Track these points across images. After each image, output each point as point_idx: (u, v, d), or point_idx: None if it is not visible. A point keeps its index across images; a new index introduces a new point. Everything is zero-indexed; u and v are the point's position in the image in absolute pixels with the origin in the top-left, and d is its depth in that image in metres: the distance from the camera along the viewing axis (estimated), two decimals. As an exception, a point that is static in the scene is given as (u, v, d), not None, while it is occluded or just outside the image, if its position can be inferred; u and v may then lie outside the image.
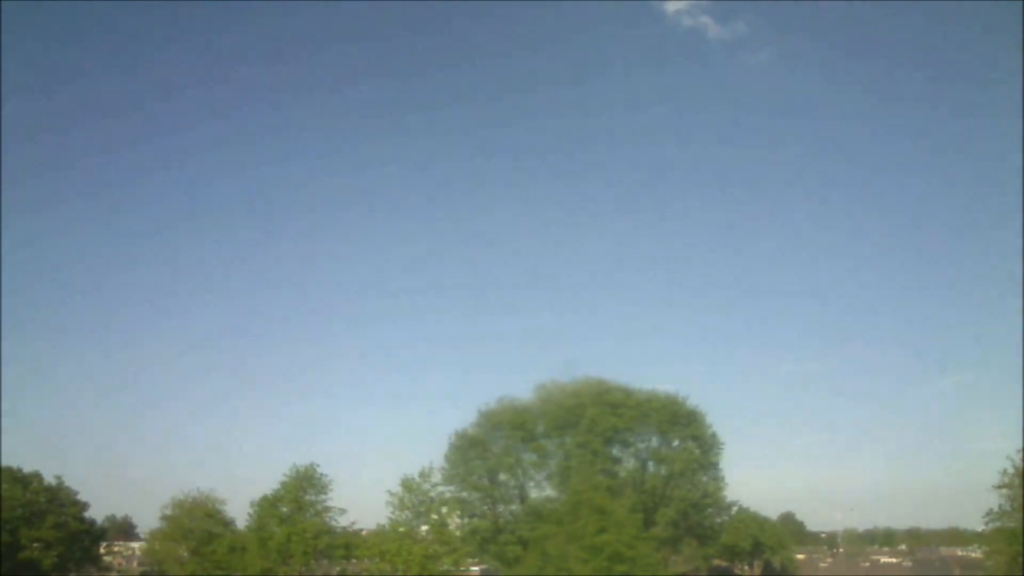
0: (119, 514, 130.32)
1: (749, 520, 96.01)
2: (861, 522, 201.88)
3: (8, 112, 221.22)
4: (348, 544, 57.81)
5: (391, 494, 56.08)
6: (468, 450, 64.40)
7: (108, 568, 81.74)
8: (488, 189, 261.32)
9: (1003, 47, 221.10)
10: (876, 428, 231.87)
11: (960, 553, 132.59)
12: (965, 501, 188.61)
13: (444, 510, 57.49)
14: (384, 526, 56.98)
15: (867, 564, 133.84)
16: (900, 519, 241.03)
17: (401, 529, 54.63)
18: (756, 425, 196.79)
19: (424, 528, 55.88)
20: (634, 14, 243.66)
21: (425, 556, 51.85)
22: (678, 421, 67.03)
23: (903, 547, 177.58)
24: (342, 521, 59.35)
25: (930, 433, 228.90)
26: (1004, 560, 53.08)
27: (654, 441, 67.93)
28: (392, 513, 56.01)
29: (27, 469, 70.28)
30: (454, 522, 59.56)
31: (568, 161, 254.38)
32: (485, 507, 65.77)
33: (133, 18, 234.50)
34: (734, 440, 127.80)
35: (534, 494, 65.23)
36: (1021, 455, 52.28)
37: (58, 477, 71.66)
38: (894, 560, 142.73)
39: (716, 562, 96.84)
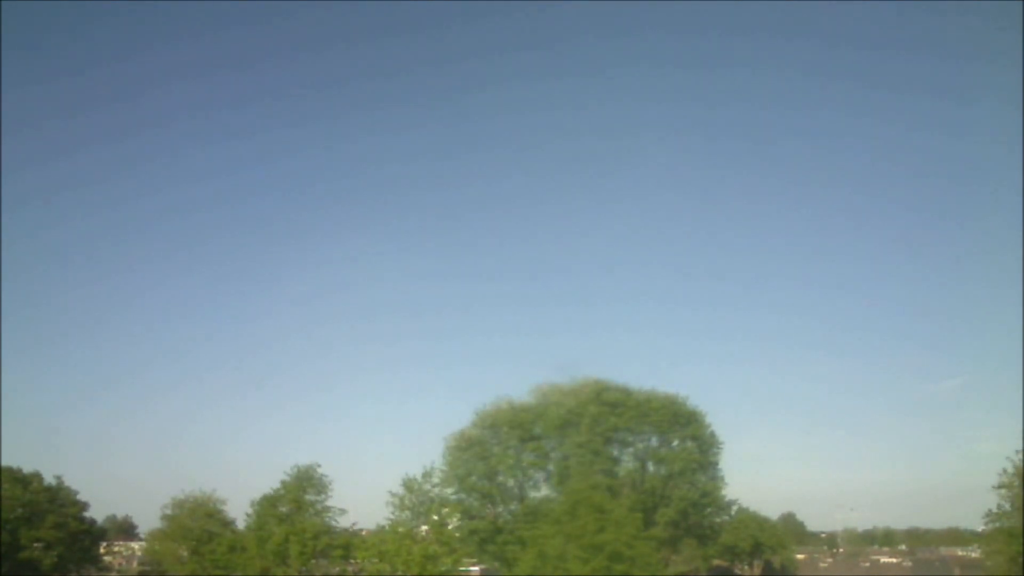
0: (119, 514, 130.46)
1: (749, 520, 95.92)
2: (861, 522, 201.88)
3: (8, 104, 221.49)
4: (347, 544, 57.74)
5: (392, 494, 56.06)
6: (466, 451, 64.25)
7: (108, 568, 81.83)
8: (486, 188, 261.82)
9: (1003, 45, 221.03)
10: (876, 428, 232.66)
11: (960, 553, 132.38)
12: (965, 501, 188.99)
13: (445, 510, 57.36)
14: (384, 526, 56.89)
15: (867, 564, 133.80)
16: (900, 519, 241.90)
17: (401, 529, 54.52)
18: (756, 425, 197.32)
19: (424, 528, 55.76)
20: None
21: (425, 556, 51.73)
22: (677, 421, 66.83)
23: (903, 547, 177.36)
24: (342, 521, 59.45)
25: (930, 433, 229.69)
26: (1004, 560, 53.09)
27: (653, 441, 67.76)
28: (392, 513, 55.99)
29: (27, 469, 70.54)
30: (453, 522, 59.45)
31: (565, 159, 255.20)
32: (484, 507, 65.61)
33: (134, 13, 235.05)
34: (734, 440, 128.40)
35: (533, 494, 65.16)
36: (1021, 455, 52.43)
37: (58, 477, 71.93)
38: (894, 560, 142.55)
39: (716, 562, 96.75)
